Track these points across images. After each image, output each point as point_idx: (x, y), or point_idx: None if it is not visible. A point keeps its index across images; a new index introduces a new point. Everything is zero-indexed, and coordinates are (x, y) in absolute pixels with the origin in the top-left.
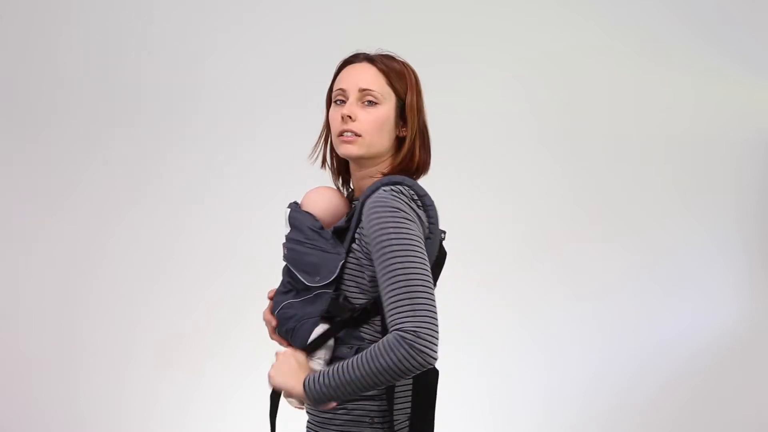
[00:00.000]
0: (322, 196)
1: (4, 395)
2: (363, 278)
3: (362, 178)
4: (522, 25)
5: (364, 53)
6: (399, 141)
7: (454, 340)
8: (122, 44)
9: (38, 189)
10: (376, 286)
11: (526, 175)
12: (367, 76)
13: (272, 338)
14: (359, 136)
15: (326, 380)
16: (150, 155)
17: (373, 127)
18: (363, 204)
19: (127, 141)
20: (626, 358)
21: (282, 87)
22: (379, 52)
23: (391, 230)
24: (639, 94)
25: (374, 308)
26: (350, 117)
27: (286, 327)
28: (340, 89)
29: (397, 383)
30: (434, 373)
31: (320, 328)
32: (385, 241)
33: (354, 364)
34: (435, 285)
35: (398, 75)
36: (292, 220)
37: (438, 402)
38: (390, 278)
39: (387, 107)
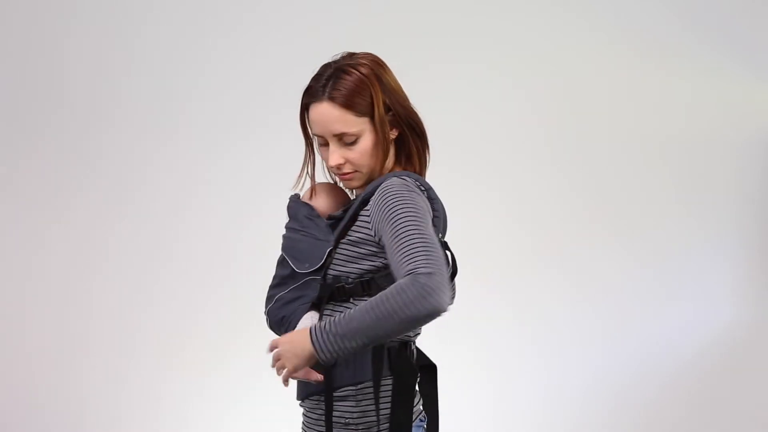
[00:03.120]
0: (322, 189)
1: (6, 395)
2: (358, 266)
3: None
4: (522, 25)
5: (320, 84)
6: (395, 140)
7: (454, 339)
8: (119, 45)
9: (39, 190)
10: (371, 273)
11: (526, 175)
12: (333, 120)
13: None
14: (357, 171)
15: (333, 328)
16: (150, 155)
17: (364, 159)
18: (368, 193)
19: (127, 141)
20: (626, 358)
21: (282, 87)
22: (334, 59)
23: (408, 202)
24: (639, 94)
25: (364, 286)
26: (341, 165)
27: (281, 315)
28: (316, 135)
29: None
30: (413, 372)
31: (309, 315)
32: (399, 212)
33: (361, 309)
34: None
35: (360, 94)
36: (290, 210)
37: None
38: (405, 237)
39: (367, 135)
